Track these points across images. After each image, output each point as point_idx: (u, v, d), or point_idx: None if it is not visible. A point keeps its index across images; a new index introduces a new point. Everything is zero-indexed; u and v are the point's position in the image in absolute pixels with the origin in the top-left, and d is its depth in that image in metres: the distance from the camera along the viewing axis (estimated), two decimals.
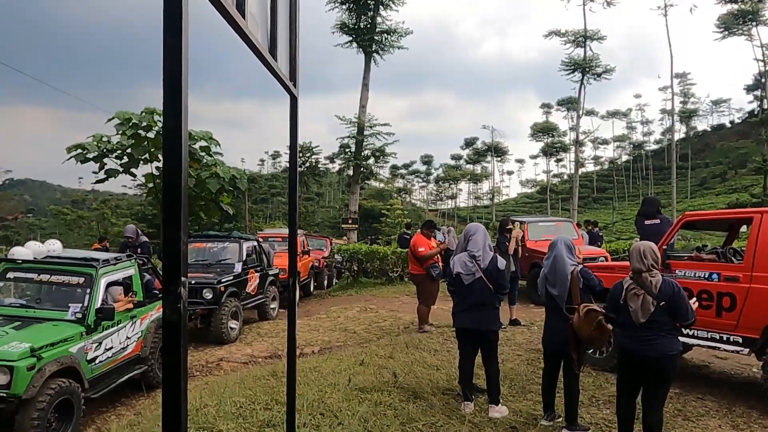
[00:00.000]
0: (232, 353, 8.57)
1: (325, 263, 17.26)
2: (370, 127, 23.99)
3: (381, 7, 24.35)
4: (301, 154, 38.33)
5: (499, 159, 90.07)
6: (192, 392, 6.05)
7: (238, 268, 10.03)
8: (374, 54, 24.43)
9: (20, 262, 6.31)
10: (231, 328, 9.31)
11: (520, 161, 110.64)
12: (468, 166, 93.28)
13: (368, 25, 24.05)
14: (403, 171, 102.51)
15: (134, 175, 17.69)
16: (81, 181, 72.75)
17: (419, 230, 9.56)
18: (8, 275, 6.31)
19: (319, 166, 40.24)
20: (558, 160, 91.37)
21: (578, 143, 39.30)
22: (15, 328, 5.56)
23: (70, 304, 6.01)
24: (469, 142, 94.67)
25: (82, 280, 6.18)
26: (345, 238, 25.60)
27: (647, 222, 7.18)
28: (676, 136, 47.17)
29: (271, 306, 11.44)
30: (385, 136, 24.36)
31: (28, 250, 6.44)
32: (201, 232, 16.12)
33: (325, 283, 17.22)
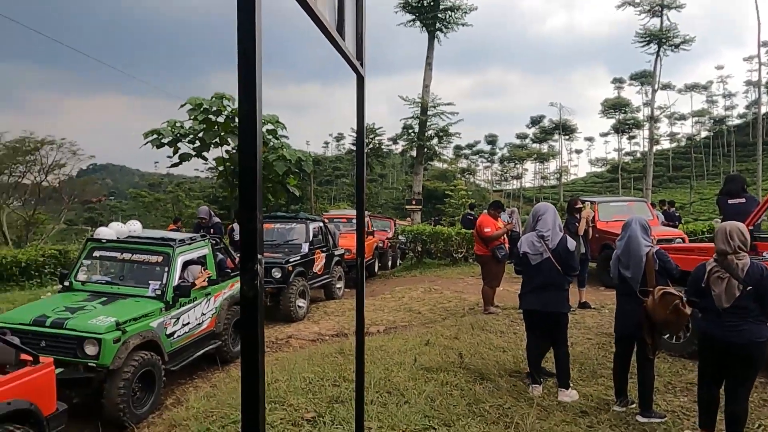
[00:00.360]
0: (300, 331, 8.81)
1: (389, 244, 17.36)
2: (434, 107, 23.76)
3: None
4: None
5: (566, 137, 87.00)
6: (264, 366, 6.29)
7: (305, 248, 10.26)
8: (438, 32, 24.06)
9: (105, 241, 6.71)
10: (299, 307, 9.56)
11: (590, 139, 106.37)
12: (534, 145, 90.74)
13: (431, 3, 23.65)
14: (467, 151, 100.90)
15: (205, 159, 18.40)
16: (157, 165, 76.27)
17: (485, 211, 9.42)
18: (94, 254, 6.73)
19: (383, 147, 40.36)
20: (630, 138, 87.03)
21: (653, 119, 37.38)
22: (101, 303, 5.94)
23: (150, 282, 6.35)
24: (535, 121, 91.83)
25: (160, 258, 6.51)
26: (408, 219, 25.64)
27: (731, 201, 6.74)
28: (763, 110, 43.71)
29: (337, 285, 11.65)
30: (448, 115, 24.10)
31: (112, 231, 6.83)
32: (269, 213, 16.59)
33: (389, 263, 17.33)
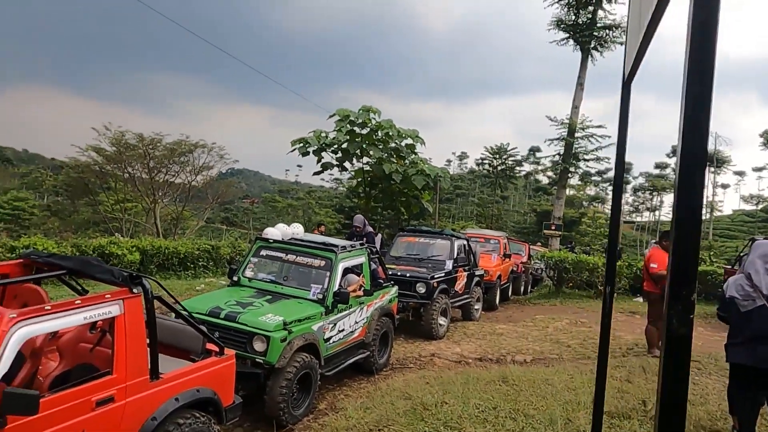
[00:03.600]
0: (441, 350, 8.54)
1: (522, 268, 16.65)
2: (582, 128, 22.58)
3: (604, 0, 22.76)
4: (497, 155, 37.94)
5: (714, 170, 79.37)
6: (416, 383, 6.08)
7: (449, 265, 10.01)
8: (592, 51, 22.86)
9: (272, 241, 6.92)
10: (440, 325, 9.31)
11: (740, 173, 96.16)
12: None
13: (588, 21, 22.65)
14: (596, 178, 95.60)
15: (346, 169, 18.91)
16: (287, 173, 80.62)
17: (654, 242, 8.58)
18: (261, 252, 6.96)
19: (515, 168, 39.38)
20: None
21: None
22: (267, 301, 6.09)
23: (311, 285, 6.42)
24: (676, 150, 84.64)
25: (323, 263, 6.57)
26: (539, 243, 24.58)
27: None
28: None
29: (475, 307, 11.26)
30: (598, 138, 22.74)
31: (278, 231, 7.03)
32: (403, 227, 16.59)
33: (522, 289, 16.60)
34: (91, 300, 3.30)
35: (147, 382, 3.53)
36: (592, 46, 22.72)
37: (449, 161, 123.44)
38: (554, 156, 23.69)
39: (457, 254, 10.36)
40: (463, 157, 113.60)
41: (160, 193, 29.13)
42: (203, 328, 4.33)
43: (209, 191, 31.86)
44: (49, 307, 3.07)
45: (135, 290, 3.53)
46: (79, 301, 3.24)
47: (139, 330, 3.52)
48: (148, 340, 3.59)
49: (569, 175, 23.51)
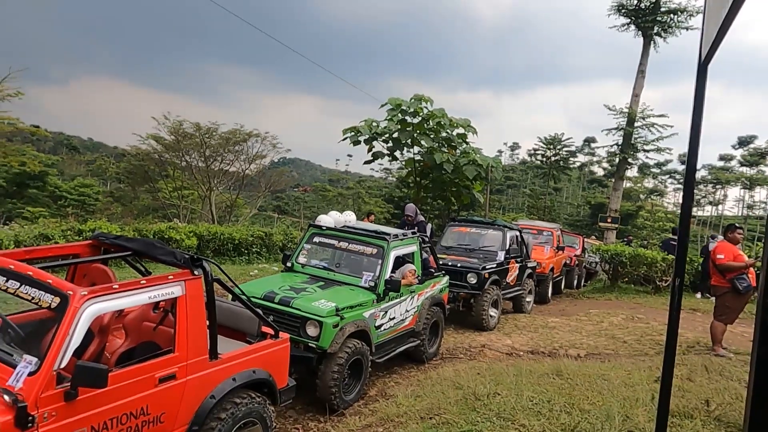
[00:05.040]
0: (492, 341, 8.45)
1: (575, 261, 16.24)
2: (643, 118, 21.68)
3: None
4: (550, 146, 37.02)
5: None
6: (466, 373, 6.04)
7: (501, 256, 9.86)
8: (655, 37, 21.84)
9: (325, 228, 6.99)
10: (491, 316, 9.21)
11: None
12: (742, 168, 79.46)
13: (651, 5, 21.67)
14: (655, 170, 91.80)
15: (396, 158, 18.88)
16: (338, 163, 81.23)
17: (719, 237, 8.19)
18: (314, 239, 7.05)
19: (570, 159, 38.32)
20: None
21: None
22: (320, 287, 6.16)
23: (363, 272, 6.45)
24: (743, 141, 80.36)
25: (374, 251, 6.59)
26: (593, 236, 23.90)
27: None
28: None
29: (527, 299, 11.07)
30: (659, 128, 21.77)
31: (331, 219, 7.09)
32: (451, 216, 16.47)
33: (575, 282, 16.21)
34: (155, 280, 3.42)
35: (206, 362, 3.64)
36: (655, 31, 21.67)
37: (500, 151, 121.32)
38: (611, 146, 22.90)
39: (509, 245, 10.19)
40: (514, 147, 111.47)
41: (216, 181, 29.89)
42: (259, 311, 4.42)
43: (262, 180, 32.46)
44: (116, 286, 3.20)
45: (196, 272, 3.63)
46: (144, 281, 3.36)
47: (200, 311, 3.63)
48: (207, 321, 3.70)
49: (627, 166, 22.66)
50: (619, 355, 7.78)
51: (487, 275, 9.14)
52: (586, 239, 19.69)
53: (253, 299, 5.57)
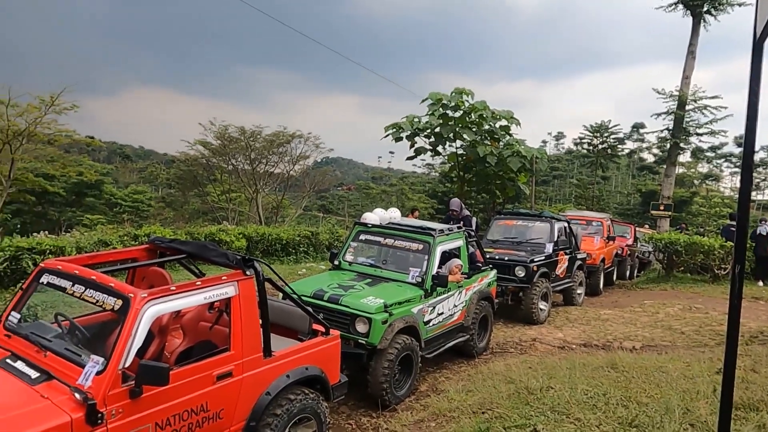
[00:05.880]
0: (543, 335, 8.33)
1: (627, 251, 15.78)
2: (695, 100, 20.81)
3: None
4: (597, 134, 36.03)
5: None
6: (518, 367, 5.98)
7: (549, 248, 9.70)
8: (705, 15, 20.88)
9: (370, 226, 7.04)
10: (541, 309, 9.08)
11: None
12: None
13: None
14: (710, 154, 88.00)
15: (439, 153, 18.79)
16: (380, 160, 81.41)
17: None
18: (360, 237, 7.11)
19: (617, 147, 37.18)
20: None
21: None
22: (368, 284, 6.21)
23: (410, 268, 6.47)
24: None
25: (421, 247, 6.59)
26: (646, 225, 23.15)
27: None
28: None
29: (578, 291, 10.86)
30: (712, 110, 20.84)
31: (376, 216, 7.14)
32: (496, 209, 16.27)
33: (627, 273, 15.76)
34: (209, 281, 3.53)
35: (261, 359, 3.74)
36: (705, 9, 20.70)
37: (545, 142, 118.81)
38: (662, 131, 22.05)
39: (558, 237, 10.01)
40: (559, 137, 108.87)
41: (261, 183, 30.46)
42: (310, 309, 4.50)
43: (306, 180, 32.86)
44: (174, 288, 3.32)
45: (248, 272, 3.73)
46: (199, 283, 3.48)
47: (253, 309, 3.72)
48: (260, 320, 3.79)
49: (679, 151, 21.80)
50: (677, 346, 7.54)
51: (535, 268, 9.01)
52: (638, 228, 19.12)
53: (303, 297, 5.70)
